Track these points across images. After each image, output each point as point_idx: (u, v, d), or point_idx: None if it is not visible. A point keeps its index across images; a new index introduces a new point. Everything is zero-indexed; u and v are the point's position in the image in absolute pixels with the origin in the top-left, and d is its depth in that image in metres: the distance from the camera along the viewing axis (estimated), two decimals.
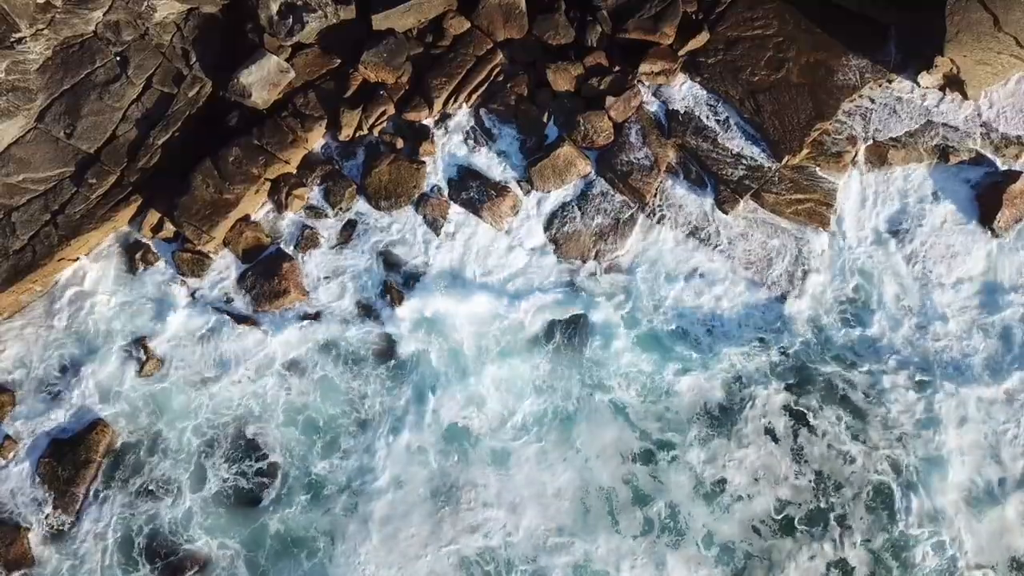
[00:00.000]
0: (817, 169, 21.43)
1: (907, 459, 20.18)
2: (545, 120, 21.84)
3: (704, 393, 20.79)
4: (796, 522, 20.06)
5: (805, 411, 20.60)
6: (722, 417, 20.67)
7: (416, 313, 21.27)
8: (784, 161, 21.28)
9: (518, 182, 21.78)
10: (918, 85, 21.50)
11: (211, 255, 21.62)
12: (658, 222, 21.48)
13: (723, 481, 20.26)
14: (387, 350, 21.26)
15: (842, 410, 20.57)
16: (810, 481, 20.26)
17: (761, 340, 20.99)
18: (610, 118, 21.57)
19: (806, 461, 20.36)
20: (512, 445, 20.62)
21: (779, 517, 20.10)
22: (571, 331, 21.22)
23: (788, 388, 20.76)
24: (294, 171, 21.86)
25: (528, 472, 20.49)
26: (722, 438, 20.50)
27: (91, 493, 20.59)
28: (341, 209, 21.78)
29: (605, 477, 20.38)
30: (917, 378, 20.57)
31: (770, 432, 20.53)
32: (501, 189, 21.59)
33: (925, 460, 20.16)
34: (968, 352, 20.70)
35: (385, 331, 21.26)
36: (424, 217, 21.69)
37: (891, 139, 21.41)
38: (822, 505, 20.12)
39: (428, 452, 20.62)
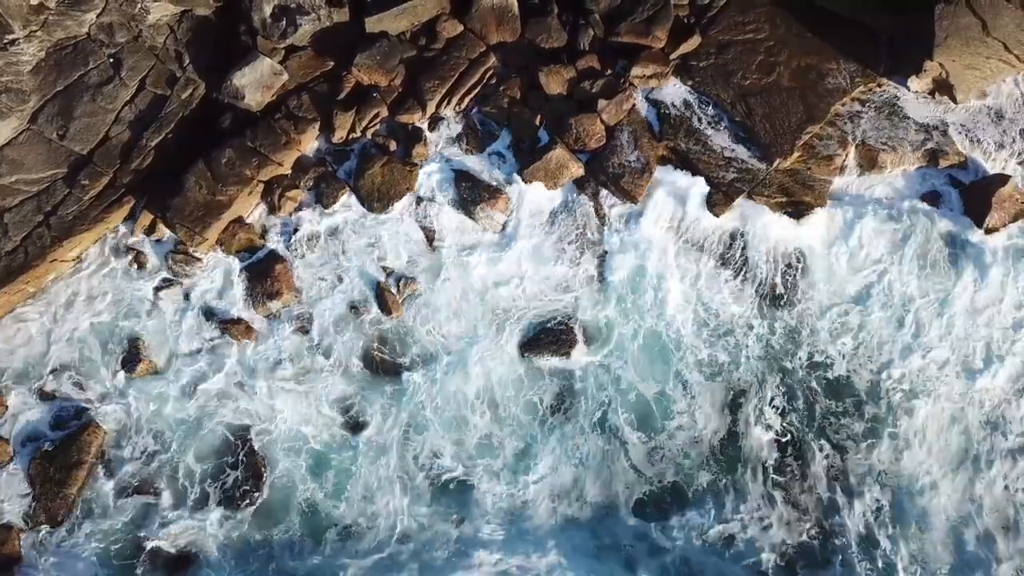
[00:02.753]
0: (808, 172, 21.55)
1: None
2: (537, 123, 21.92)
3: (702, 419, 20.82)
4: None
5: (797, 433, 20.66)
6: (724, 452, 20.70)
7: (408, 319, 21.39)
8: (775, 164, 21.40)
9: (510, 184, 21.84)
10: (908, 89, 21.66)
11: (204, 256, 21.65)
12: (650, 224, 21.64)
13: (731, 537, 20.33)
14: (385, 358, 21.38)
15: (832, 431, 20.67)
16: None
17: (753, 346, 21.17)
18: (602, 121, 21.67)
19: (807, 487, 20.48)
20: (518, 493, 20.60)
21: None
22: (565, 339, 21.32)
23: (780, 404, 20.86)
24: (287, 173, 21.89)
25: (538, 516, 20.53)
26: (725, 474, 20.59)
27: (82, 494, 20.58)
28: (334, 211, 21.82)
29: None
30: (909, 391, 20.70)
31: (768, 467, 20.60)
32: (494, 191, 21.67)
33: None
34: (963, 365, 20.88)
35: (379, 334, 21.40)
36: (417, 219, 21.74)
37: (881, 142, 21.56)
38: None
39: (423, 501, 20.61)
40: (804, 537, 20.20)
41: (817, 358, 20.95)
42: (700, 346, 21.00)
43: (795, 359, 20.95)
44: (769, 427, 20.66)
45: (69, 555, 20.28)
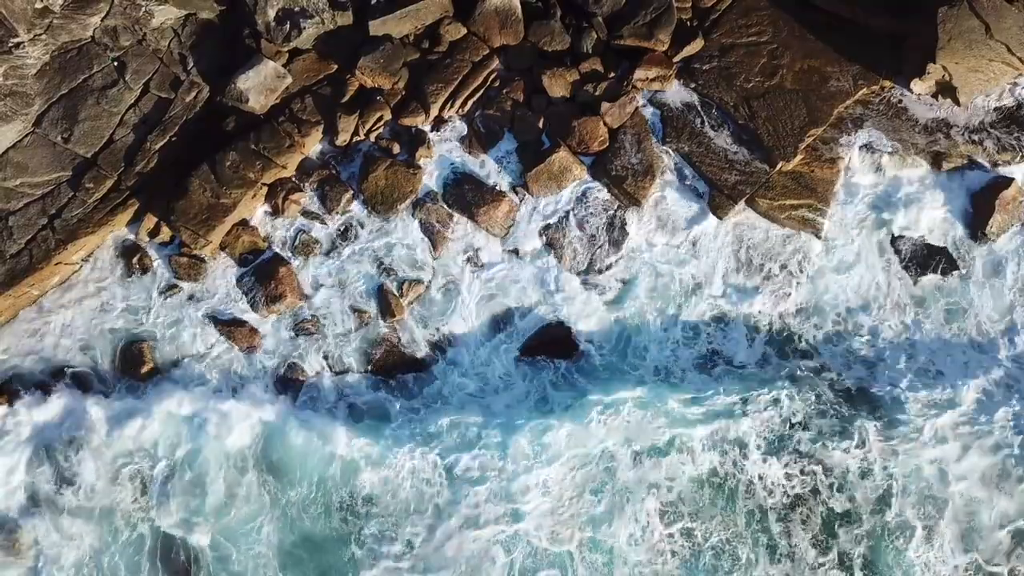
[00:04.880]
0: (811, 175, 21.57)
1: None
2: (540, 126, 21.95)
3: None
4: None
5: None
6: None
7: (410, 321, 21.44)
8: (778, 167, 21.42)
9: (514, 187, 21.89)
10: (910, 92, 21.67)
11: (208, 259, 21.70)
12: (652, 226, 21.68)
13: None
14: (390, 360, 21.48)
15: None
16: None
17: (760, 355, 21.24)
18: (605, 124, 21.70)
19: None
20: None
21: None
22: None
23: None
24: (291, 176, 21.93)
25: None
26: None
27: (84, 496, 20.61)
28: (337, 214, 21.87)
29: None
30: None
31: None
32: (497, 194, 21.69)
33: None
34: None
35: (382, 336, 21.47)
36: (420, 222, 21.78)
37: (884, 145, 21.57)
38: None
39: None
40: None
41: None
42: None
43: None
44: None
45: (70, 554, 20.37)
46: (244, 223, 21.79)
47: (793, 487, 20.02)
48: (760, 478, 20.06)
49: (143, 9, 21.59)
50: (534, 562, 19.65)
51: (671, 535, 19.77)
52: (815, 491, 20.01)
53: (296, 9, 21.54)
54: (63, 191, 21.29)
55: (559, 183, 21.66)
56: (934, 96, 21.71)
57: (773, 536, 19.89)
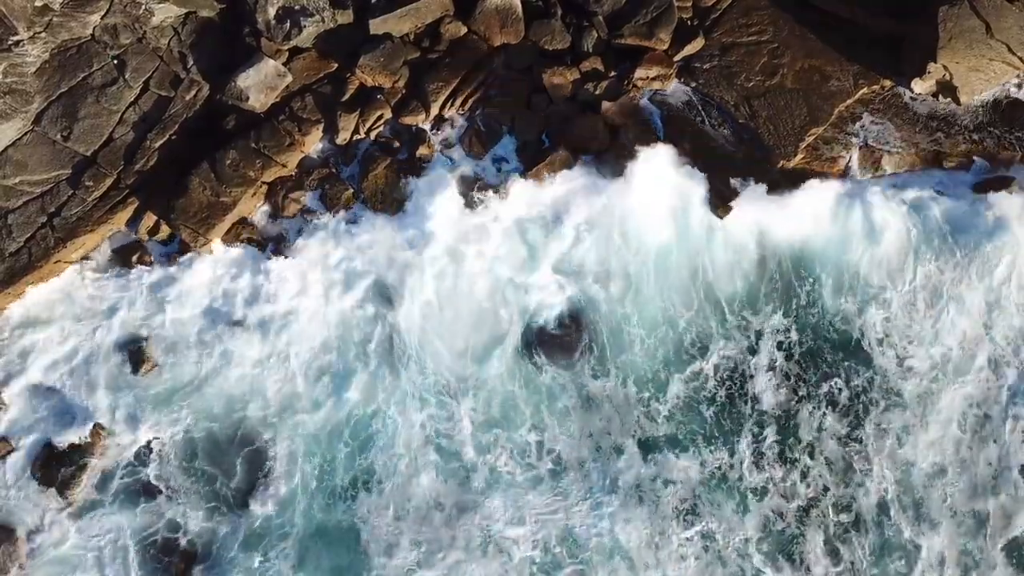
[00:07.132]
0: (812, 174, 21.57)
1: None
2: (541, 125, 21.93)
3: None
4: None
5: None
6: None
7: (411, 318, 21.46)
8: (779, 166, 21.43)
9: (514, 185, 21.86)
10: (911, 91, 21.67)
11: (208, 257, 21.63)
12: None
13: None
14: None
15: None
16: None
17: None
18: (606, 123, 21.68)
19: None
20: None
21: None
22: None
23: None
24: (291, 174, 21.91)
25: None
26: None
27: (87, 495, 20.58)
28: (338, 212, 21.84)
29: None
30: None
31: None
32: (497, 192, 21.66)
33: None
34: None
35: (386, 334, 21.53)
36: (421, 220, 21.72)
37: (884, 144, 21.59)
38: None
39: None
40: None
41: None
42: None
43: None
44: None
45: (72, 556, 20.32)
46: (244, 221, 21.77)
47: None
48: None
49: (143, 7, 21.53)
50: None
51: None
52: None
53: (296, 7, 21.51)
54: (62, 189, 21.24)
55: None
56: (935, 95, 21.72)
57: None
